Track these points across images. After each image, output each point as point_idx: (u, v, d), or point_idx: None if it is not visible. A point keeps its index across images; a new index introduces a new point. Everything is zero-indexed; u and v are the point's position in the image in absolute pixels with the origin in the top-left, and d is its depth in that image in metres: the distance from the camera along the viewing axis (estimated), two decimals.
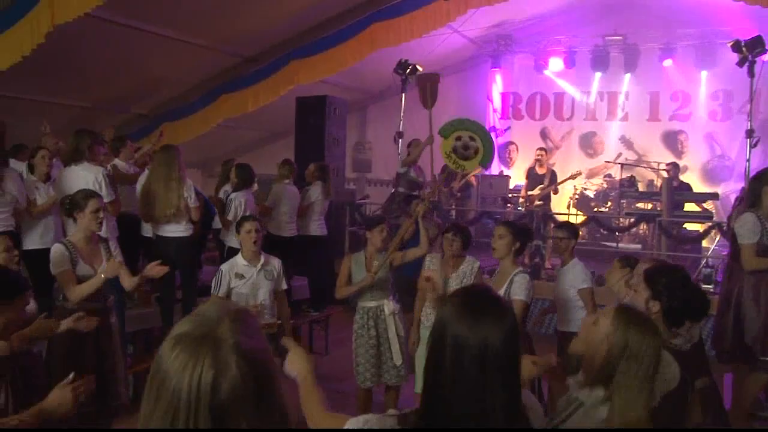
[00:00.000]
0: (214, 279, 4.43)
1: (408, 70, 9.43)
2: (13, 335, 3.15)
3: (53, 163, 5.56)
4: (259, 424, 1.07)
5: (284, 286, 4.61)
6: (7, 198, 4.81)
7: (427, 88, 7.37)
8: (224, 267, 4.44)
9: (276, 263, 4.55)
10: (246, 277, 4.36)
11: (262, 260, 4.43)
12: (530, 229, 5.44)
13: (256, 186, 6.97)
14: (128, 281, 4.06)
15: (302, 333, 7.04)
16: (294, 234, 7.19)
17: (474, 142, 5.76)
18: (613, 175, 11.17)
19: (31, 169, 5.55)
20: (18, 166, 5.72)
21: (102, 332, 3.81)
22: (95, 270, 3.89)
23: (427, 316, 4.46)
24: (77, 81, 9.08)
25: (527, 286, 3.93)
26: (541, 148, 9.57)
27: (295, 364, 1.99)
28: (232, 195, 6.41)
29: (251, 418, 1.06)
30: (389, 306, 4.58)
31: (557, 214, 9.27)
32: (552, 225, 7.82)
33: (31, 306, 3.37)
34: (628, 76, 11.72)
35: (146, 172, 5.86)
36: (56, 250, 3.87)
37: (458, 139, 5.52)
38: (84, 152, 5.17)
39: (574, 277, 4.55)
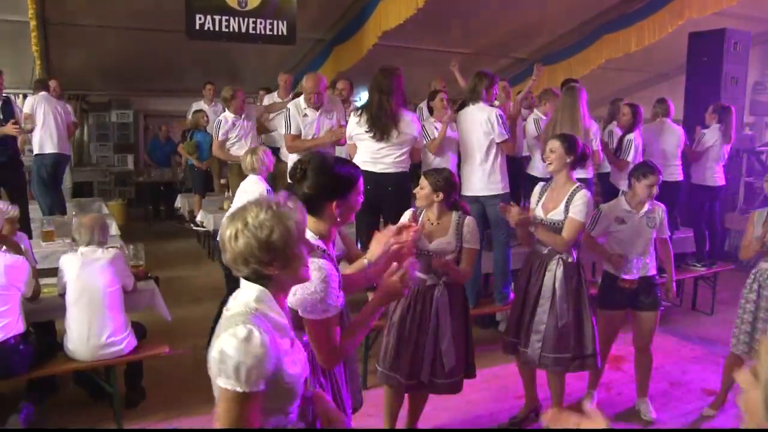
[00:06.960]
0: (592, 218, 4.06)
1: None
2: None
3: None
4: None
5: (667, 233, 4.26)
6: (401, 138, 4.98)
7: None
8: (604, 207, 4.23)
9: (660, 210, 4.20)
10: (626, 223, 4.11)
11: (647, 207, 4.13)
12: None
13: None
14: None
15: (685, 289, 6.55)
16: (679, 179, 6.55)
17: None
18: None
19: (430, 110, 6.01)
20: None
21: None
22: None
23: None
24: (461, 30, 9.56)
25: None
26: None
27: None
28: (630, 136, 6.09)
29: None
30: None
31: None
32: None
33: None
34: None
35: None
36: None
37: None
38: (480, 93, 5.33)
39: None
